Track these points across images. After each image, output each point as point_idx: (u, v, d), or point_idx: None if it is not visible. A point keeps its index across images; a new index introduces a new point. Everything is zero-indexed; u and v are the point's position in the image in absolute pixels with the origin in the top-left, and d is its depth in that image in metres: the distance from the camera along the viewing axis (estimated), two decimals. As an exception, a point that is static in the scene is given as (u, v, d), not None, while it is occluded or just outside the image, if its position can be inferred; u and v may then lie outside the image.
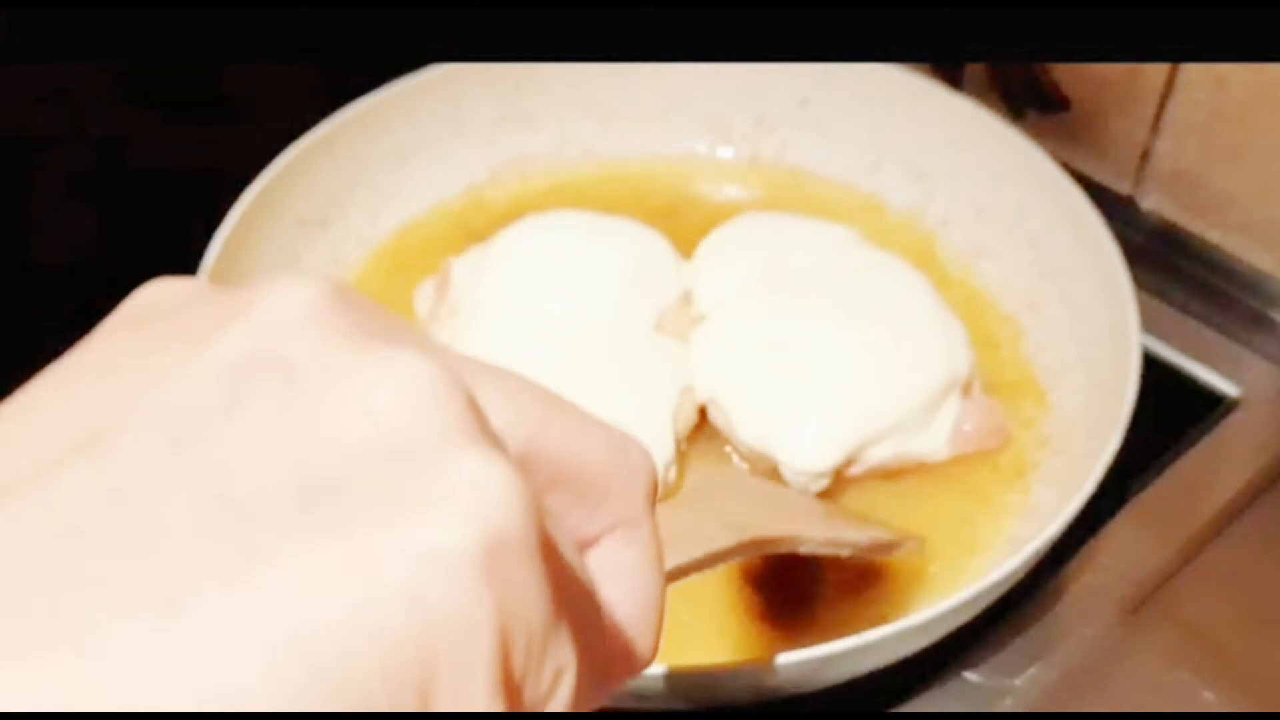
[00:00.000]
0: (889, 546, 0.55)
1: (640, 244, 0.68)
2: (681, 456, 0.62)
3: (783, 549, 0.49)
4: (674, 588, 0.48)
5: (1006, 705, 0.57)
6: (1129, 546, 0.62)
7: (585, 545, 0.26)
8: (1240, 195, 0.72)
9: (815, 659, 0.51)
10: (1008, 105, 0.78)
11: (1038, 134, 0.73)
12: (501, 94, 0.76)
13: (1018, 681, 0.58)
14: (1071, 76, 0.75)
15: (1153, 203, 0.76)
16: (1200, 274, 0.74)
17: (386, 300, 0.71)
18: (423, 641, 0.21)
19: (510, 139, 0.77)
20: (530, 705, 0.23)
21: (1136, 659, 0.59)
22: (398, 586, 0.21)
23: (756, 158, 0.78)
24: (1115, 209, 0.74)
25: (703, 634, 0.57)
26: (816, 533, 0.50)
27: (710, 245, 0.69)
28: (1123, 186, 0.76)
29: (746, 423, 0.61)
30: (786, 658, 0.50)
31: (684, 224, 0.73)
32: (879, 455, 0.61)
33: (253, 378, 0.22)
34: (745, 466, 0.63)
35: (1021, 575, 0.55)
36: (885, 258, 0.68)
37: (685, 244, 0.69)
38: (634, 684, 0.52)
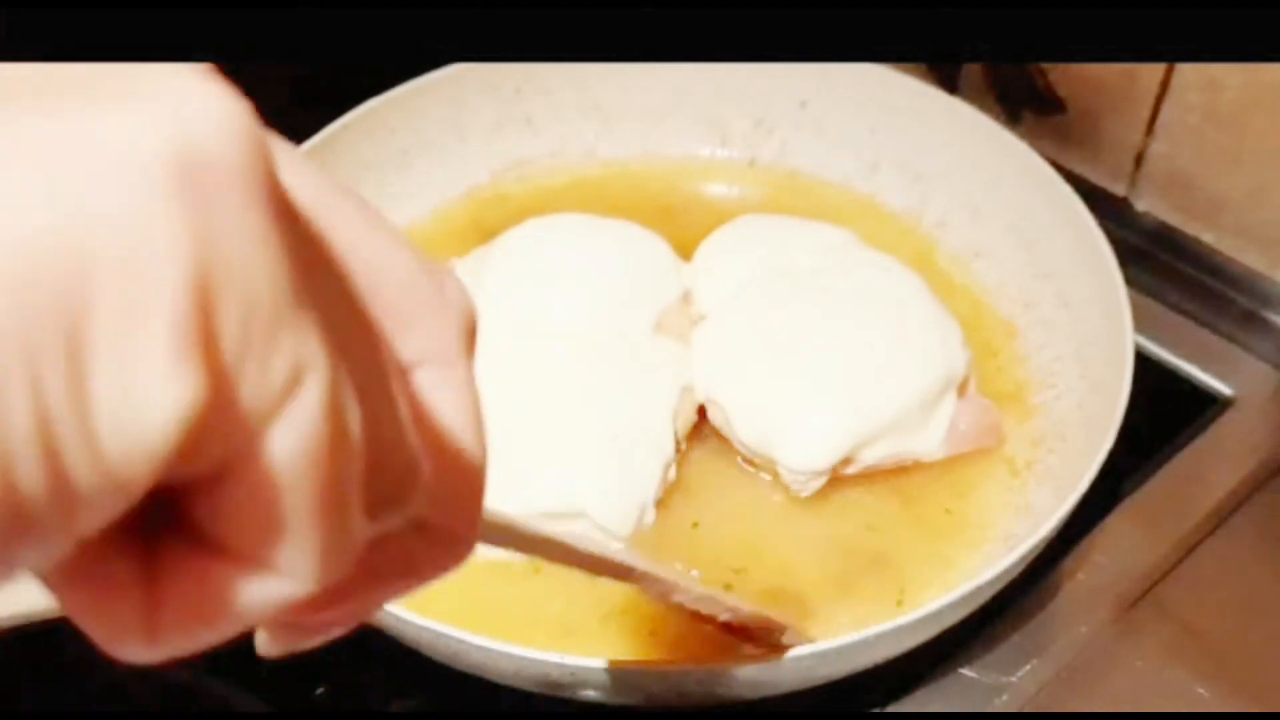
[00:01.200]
0: (769, 626, 0.51)
1: (640, 245, 0.68)
2: (681, 456, 0.63)
3: (655, 589, 0.46)
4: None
5: (1003, 701, 0.58)
6: (1123, 544, 0.63)
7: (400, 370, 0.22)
8: (1234, 197, 0.72)
9: (813, 656, 0.51)
10: (1004, 108, 0.79)
11: (1034, 136, 0.73)
12: (503, 97, 0.77)
13: (1014, 678, 0.58)
14: (1067, 79, 0.76)
15: (1147, 204, 0.76)
16: (1194, 274, 0.75)
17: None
18: (74, 251, 0.16)
19: (511, 141, 0.77)
20: (251, 405, 0.18)
21: (1131, 656, 0.59)
22: (54, 180, 0.16)
23: (755, 159, 0.79)
24: (1110, 210, 0.74)
25: (699, 631, 0.58)
26: (693, 590, 0.48)
27: (710, 246, 0.69)
28: (1117, 188, 0.77)
29: (745, 422, 0.62)
30: (786, 655, 0.51)
31: (684, 225, 0.73)
32: (875, 454, 0.61)
33: None
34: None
35: (1017, 573, 0.55)
36: (882, 259, 0.68)
37: (685, 245, 0.69)
38: (632, 681, 0.52)
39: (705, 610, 0.49)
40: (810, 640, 0.52)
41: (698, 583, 0.50)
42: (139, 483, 0.17)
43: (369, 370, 0.20)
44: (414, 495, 0.22)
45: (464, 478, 0.23)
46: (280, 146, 0.20)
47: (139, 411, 0.17)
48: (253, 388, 0.18)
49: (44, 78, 0.17)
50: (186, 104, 0.17)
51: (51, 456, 0.16)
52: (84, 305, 0.16)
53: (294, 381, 0.18)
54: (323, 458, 0.18)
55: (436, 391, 0.22)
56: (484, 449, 0.23)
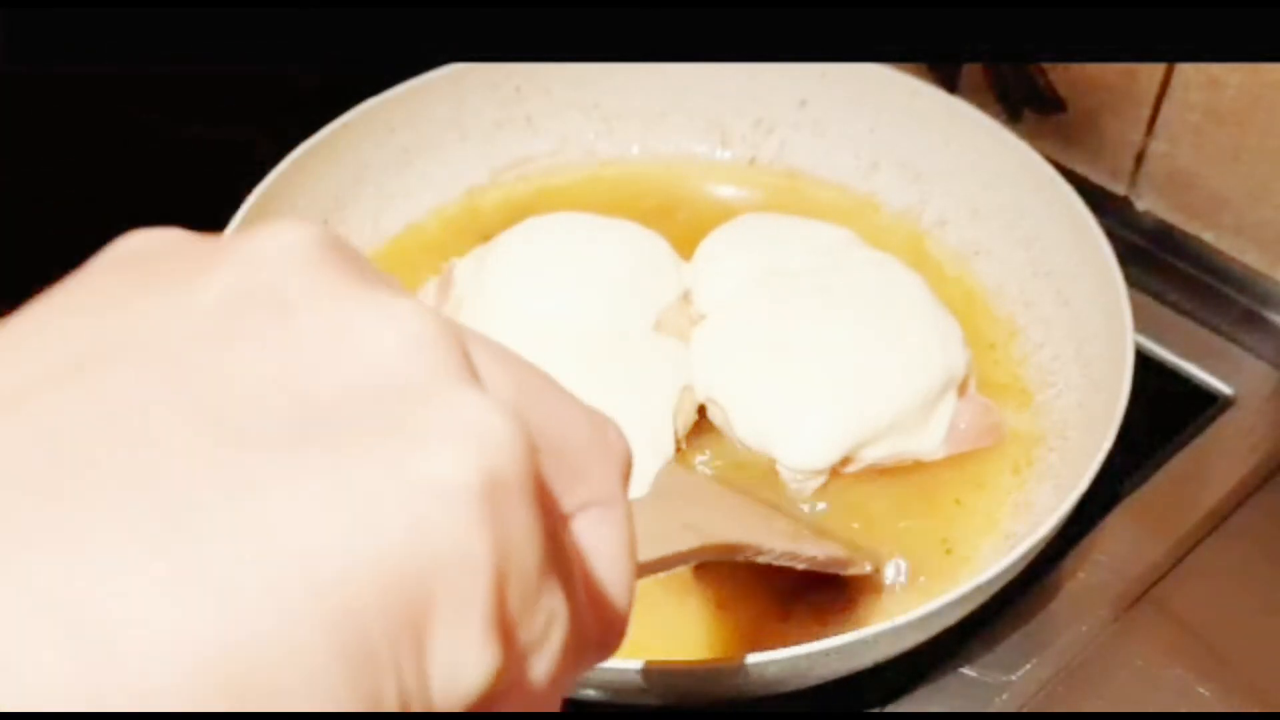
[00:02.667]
0: (844, 564, 0.56)
1: (640, 245, 0.68)
2: (681, 455, 0.63)
3: (740, 557, 0.49)
4: (654, 582, 0.48)
5: (1003, 700, 0.58)
6: (1123, 544, 0.63)
7: (564, 518, 0.26)
8: (1234, 196, 0.72)
9: (812, 654, 0.51)
10: (1004, 107, 0.79)
11: (1034, 135, 0.73)
12: (503, 97, 0.77)
13: (1014, 677, 0.58)
14: (1067, 78, 0.76)
15: (1147, 203, 0.76)
16: (1194, 273, 0.75)
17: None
18: (423, 572, 0.20)
19: (511, 141, 0.78)
20: (523, 650, 0.23)
21: (1131, 655, 0.59)
22: (400, 515, 0.20)
23: (755, 159, 0.79)
24: (1110, 209, 0.74)
25: (698, 630, 0.58)
26: (775, 544, 0.51)
27: (710, 246, 0.69)
28: (1118, 187, 0.77)
29: (745, 421, 0.62)
30: (783, 653, 0.51)
31: (683, 224, 0.73)
32: (875, 454, 0.61)
33: (249, 310, 0.22)
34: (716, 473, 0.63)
35: (1017, 572, 0.55)
36: (882, 258, 0.68)
37: (685, 244, 0.69)
38: (631, 680, 0.52)
39: (786, 564, 0.51)
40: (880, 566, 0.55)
41: (778, 537, 0.51)
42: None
43: (566, 563, 0.25)
44: (615, 647, 0.28)
45: (619, 595, 0.27)
46: (493, 347, 0.25)
47: (461, 675, 0.21)
48: (524, 637, 0.23)
49: (348, 412, 0.21)
50: (480, 433, 0.21)
51: (405, 709, 0.21)
52: (428, 609, 0.21)
53: (547, 628, 0.23)
54: (563, 672, 0.24)
55: (601, 527, 0.26)
56: (634, 570, 0.28)
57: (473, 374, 0.23)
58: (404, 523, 0.20)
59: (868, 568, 0.57)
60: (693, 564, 0.46)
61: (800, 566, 0.52)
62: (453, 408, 0.22)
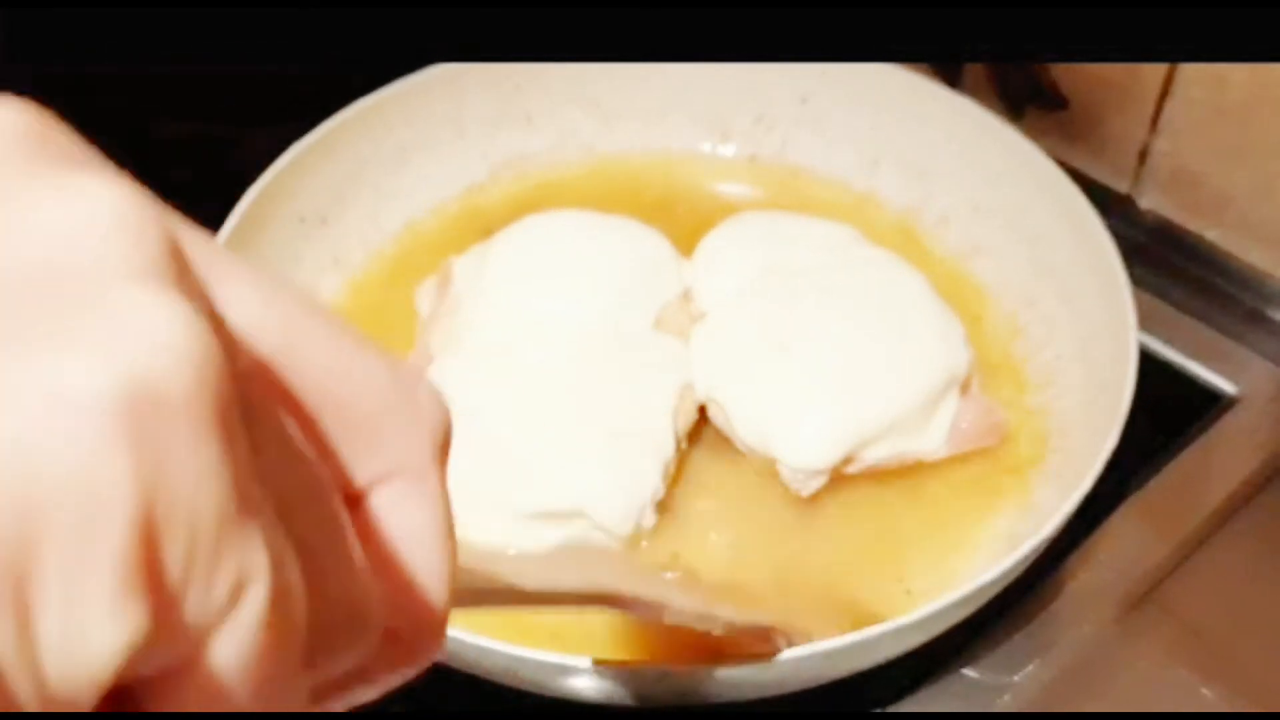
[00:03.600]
0: (759, 635, 0.51)
1: (640, 242, 0.68)
2: (681, 454, 0.63)
3: (644, 614, 0.46)
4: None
5: (1005, 702, 0.57)
6: (1127, 544, 0.63)
7: (353, 497, 0.22)
8: (1238, 194, 0.72)
9: (815, 656, 0.51)
10: (1007, 104, 0.78)
11: (1037, 133, 0.73)
12: (502, 94, 0.76)
13: (1016, 678, 0.58)
14: (1070, 76, 0.76)
15: (1151, 201, 0.76)
16: (1198, 272, 0.74)
17: (388, 299, 0.71)
18: (21, 505, 0.17)
19: (511, 138, 0.77)
20: (194, 621, 0.18)
21: (1134, 656, 0.59)
22: (31, 437, 0.17)
23: (756, 156, 0.79)
24: (1113, 207, 0.74)
25: (696, 631, 0.57)
26: (684, 606, 0.48)
27: (710, 244, 0.69)
28: (1121, 185, 0.77)
29: (745, 421, 0.62)
30: (787, 655, 0.50)
31: (684, 222, 0.73)
32: (877, 453, 0.61)
33: None
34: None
35: (1020, 572, 0.55)
36: (884, 256, 0.68)
37: (685, 242, 0.69)
38: (631, 681, 0.52)
39: (699, 628, 0.49)
40: (809, 639, 0.51)
41: (688, 598, 0.50)
42: (82, 703, 0.18)
43: (321, 527, 0.21)
44: (363, 641, 0.22)
45: (428, 590, 0.23)
46: (241, 273, 0.20)
47: (82, 648, 0.17)
48: (195, 607, 0.18)
49: None
50: (134, 337, 0.17)
51: (1, 688, 0.17)
52: (31, 553, 0.17)
53: (236, 593, 0.18)
54: (264, 655, 0.19)
55: (404, 504, 0.22)
56: (450, 560, 0.23)
57: (169, 264, 0.18)
58: (1, 446, 0.16)
59: (782, 644, 0.52)
60: (585, 608, 0.44)
61: (716, 633, 0.49)
62: (111, 306, 0.18)
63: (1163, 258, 0.75)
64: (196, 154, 0.83)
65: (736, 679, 0.52)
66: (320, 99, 0.73)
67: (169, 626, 0.18)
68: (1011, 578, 0.55)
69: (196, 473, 0.18)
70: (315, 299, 0.22)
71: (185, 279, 0.19)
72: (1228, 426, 0.68)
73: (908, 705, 0.57)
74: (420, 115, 0.74)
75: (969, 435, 0.63)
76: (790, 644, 0.51)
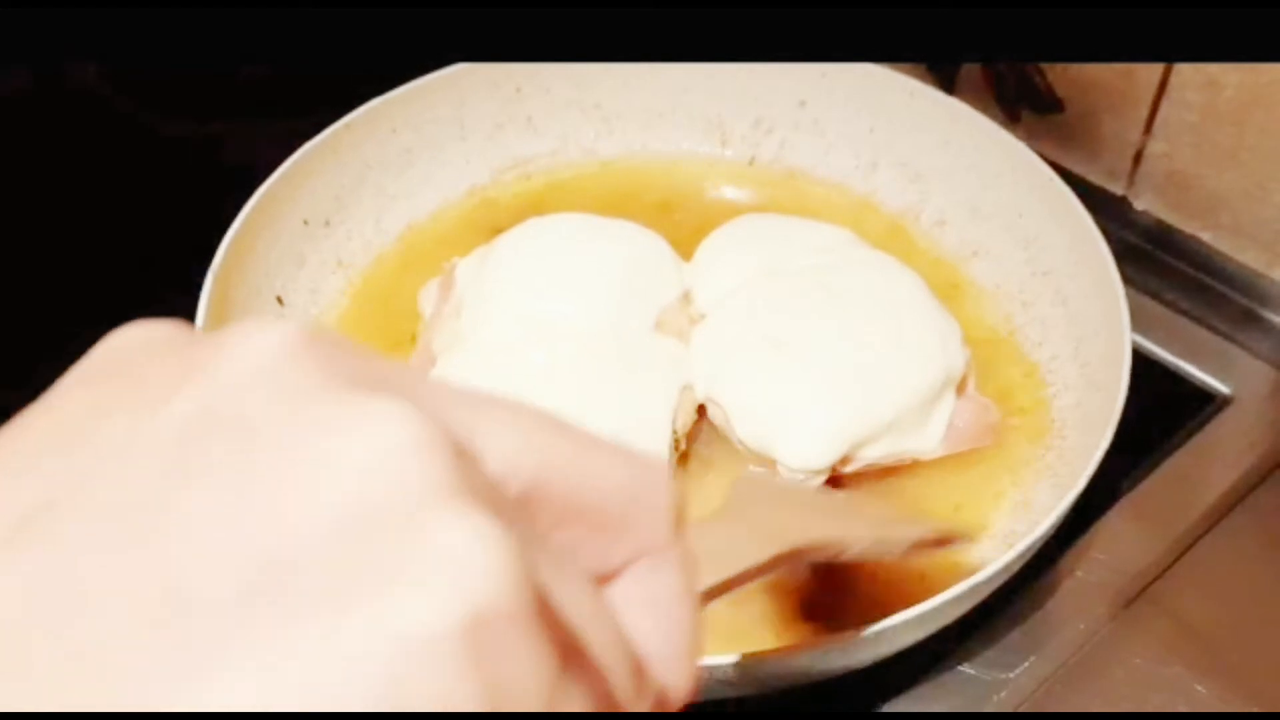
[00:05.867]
0: (942, 540, 0.53)
1: (640, 245, 0.69)
2: (681, 455, 0.63)
3: (826, 556, 0.46)
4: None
5: (1001, 698, 0.58)
6: (1122, 542, 0.63)
7: (609, 576, 0.25)
8: (1232, 196, 0.72)
9: (811, 653, 0.51)
10: (1002, 107, 0.79)
11: (1032, 135, 0.74)
12: (504, 97, 0.77)
13: (1012, 675, 0.58)
14: (1065, 78, 0.76)
15: (1145, 203, 0.76)
16: (1192, 273, 0.75)
17: (391, 301, 0.71)
18: None
19: (512, 141, 0.78)
20: None
21: (1129, 653, 0.60)
22: (370, 677, 0.19)
23: (755, 158, 0.79)
24: (1108, 209, 0.75)
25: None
26: (861, 535, 0.47)
27: (710, 246, 0.70)
28: (1116, 187, 0.77)
29: (744, 421, 0.62)
30: (781, 651, 0.51)
31: (683, 224, 0.74)
32: (874, 453, 0.61)
33: (207, 442, 0.20)
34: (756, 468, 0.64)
35: (1015, 570, 0.56)
36: (881, 258, 0.68)
37: (684, 244, 0.69)
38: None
39: (876, 556, 0.49)
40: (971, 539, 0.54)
41: (863, 528, 0.49)
42: None
43: (602, 623, 0.23)
44: (645, 696, 0.25)
45: (678, 647, 0.25)
46: (494, 414, 0.23)
47: None
48: None
49: (316, 559, 0.19)
50: (462, 567, 0.20)
51: None
52: None
53: None
54: None
55: (655, 576, 0.25)
56: (699, 616, 0.26)
57: (460, 480, 0.21)
58: (375, 685, 0.19)
59: (964, 539, 0.54)
60: (774, 573, 0.44)
61: (893, 556, 0.50)
62: (429, 541, 0.20)
63: (1157, 259, 0.76)
64: (200, 156, 0.84)
65: (735, 676, 0.52)
66: (324, 102, 0.73)
67: None
68: (1007, 575, 0.55)
69: (524, 665, 0.20)
70: (557, 416, 0.24)
71: (473, 482, 0.21)
72: (1221, 426, 0.68)
73: (904, 702, 0.58)
74: (423, 118, 0.75)
75: (965, 435, 0.63)
76: (967, 539, 0.52)
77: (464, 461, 0.21)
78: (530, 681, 0.20)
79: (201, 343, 0.23)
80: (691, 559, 0.26)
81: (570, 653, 0.22)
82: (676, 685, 0.26)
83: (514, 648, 0.20)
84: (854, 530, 0.47)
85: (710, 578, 0.36)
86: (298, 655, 0.19)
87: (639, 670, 0.24)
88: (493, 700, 0.19)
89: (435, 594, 0.19)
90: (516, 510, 0.22)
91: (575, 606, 0.22)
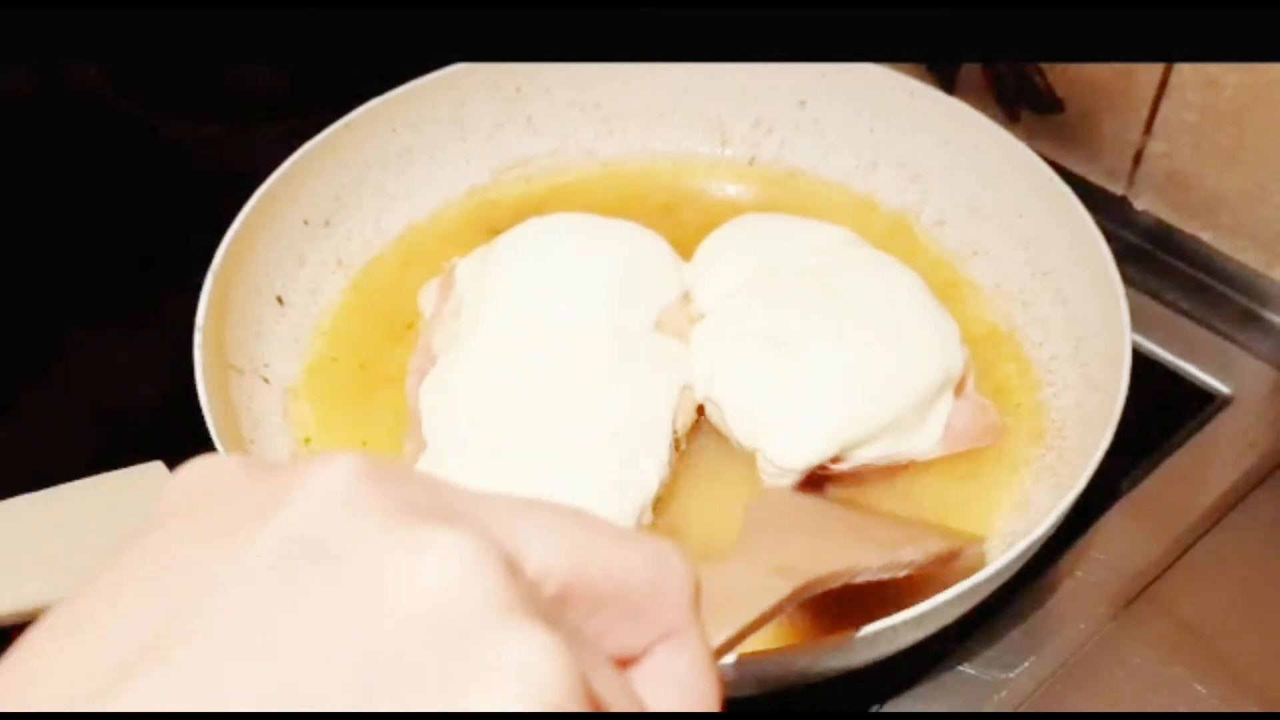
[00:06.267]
0: (949, 557, 0.54)
1: (640, 245, 0.69)
2: (681, 455, 0.63)
3: (838, 584, 0.48)
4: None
5: (1001, 698, 0.58)
6: (1121, 542, 0.63)
7: (634, 659, 0.27)
8: (1232, 195, 0.72)
9: (811, 653, 0.51)
10: (1002, 107, 0.79)
11: (1032, 135, 0.74)
12: (503, 97, 0.77)
13: (1012, 675, 0.58)
14: (1065, 78, 0.76)
15: (1145, 203, 0.76)
16: (1192, 273, 0.75)
17: (391, 300, 0.71)
18: None
19: (512, 141, 0.78)
20: None
21: (1129, 653, 0.60)
22: None
23: (755, 158, 0.79)
24: (1108, 209, 0.75)
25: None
26: (872, 560, 0.49)
27: (709, 246, 0.70)
28: (1116, 187, 0.77)
29: (742, 421, 0.62)
30: (780, 651, 0.51)
31: (683, 224, 0.74)
32: (872, 453, 0.61)
33: (298, 567, 0.23)
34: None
35: (1015, 570, 0.56)
36: (881, 258, 0.68)
37: (684, 243, 0.69)
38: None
39: (888, 575, 0.50)
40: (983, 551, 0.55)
41: (872, 551, 0.50)
42: None
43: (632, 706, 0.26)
44: None
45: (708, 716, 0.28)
46: (530, 522, 0.26)
47: None
48: None
49: (395, 670, 0.22)
50: (531, 673, 0.22)
51: None
52: None
53: None
54: None
55: (676, 657, 0.27)
56: (717, 685, 0.28)
57: (516, 594, 0.24)
58: None
59: (974, 551, 0.56)
60: (789, 609, 0.45)
61: (903, 574, 0.51)
62: (498, 651, 0.23)
63: (1157, 259, 0.76)
64: (200, 156, 0.84)
65: (736, 676, 0.52)
66: (324, 102, 0.73)
67: None
68: (1007, 576, 0.55)
69: None
70: (581, 512, 0.27)
71: (525, 596, 0.24)
72: (1221, 426, 0.68)
73: (905, 702, 0.58)
74: (423, 118, 0.75)
75: (964, 435, 0.63)
76: (978, 552, 0.52)
77: (514, 580, 0.24)
78: None
79: (280, 472, 0.26)
80: (707, 637, 0.28)
81: None
82: None
83: None
84: (864, 558, 0.48)
85: (727, 629, 0.37)
86: None
87: None
88: None
89: (512, 698, 0.22)
90: (554, 607, 0.25)
91: (610, 692, 0.25)
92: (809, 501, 0.59)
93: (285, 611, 0.23)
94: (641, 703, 0.26)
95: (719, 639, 0.36)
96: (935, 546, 0.53)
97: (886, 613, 0.51)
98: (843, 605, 0.58)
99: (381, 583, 0.23)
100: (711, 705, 0.28)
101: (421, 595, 0.23)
